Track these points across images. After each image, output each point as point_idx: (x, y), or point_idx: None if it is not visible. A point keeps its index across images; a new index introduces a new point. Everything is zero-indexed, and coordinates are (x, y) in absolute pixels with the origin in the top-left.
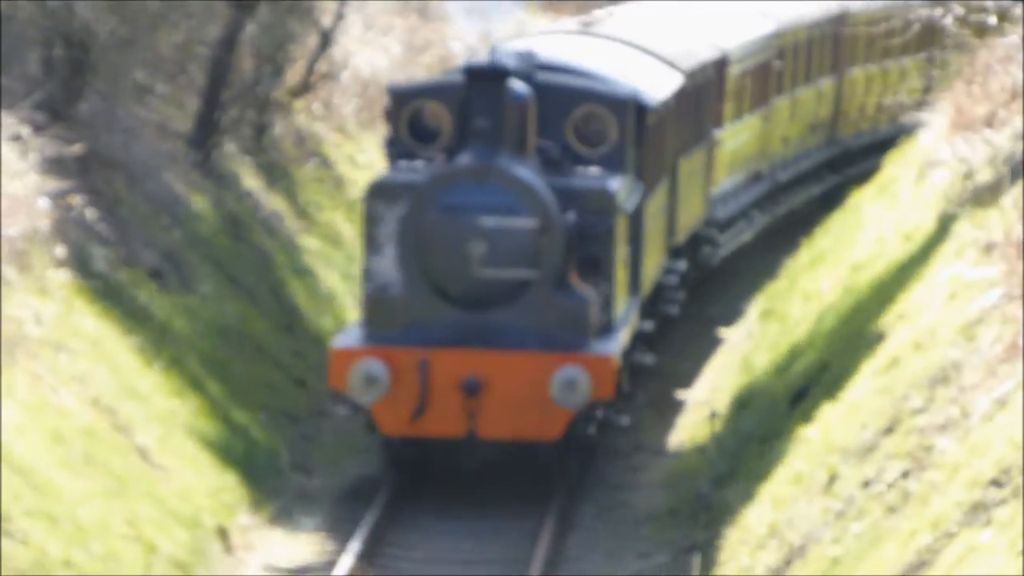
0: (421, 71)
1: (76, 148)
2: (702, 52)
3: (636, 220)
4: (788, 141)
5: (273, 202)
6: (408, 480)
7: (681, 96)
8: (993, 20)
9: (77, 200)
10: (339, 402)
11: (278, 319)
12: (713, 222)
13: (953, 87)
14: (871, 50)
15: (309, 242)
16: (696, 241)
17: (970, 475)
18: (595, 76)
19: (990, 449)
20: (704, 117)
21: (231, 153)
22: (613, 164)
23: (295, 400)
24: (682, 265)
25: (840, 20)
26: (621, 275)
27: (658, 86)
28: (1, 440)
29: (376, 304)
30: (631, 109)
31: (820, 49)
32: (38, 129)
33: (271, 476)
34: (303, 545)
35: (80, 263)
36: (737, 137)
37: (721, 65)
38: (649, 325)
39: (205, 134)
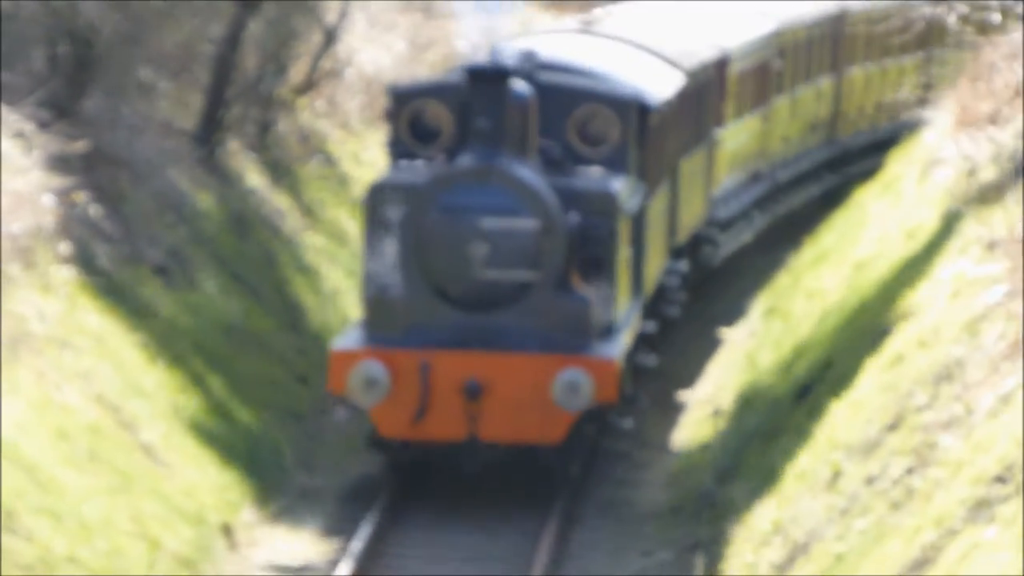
0: (425, 68)
1: (80, 145)
2: (703, 51)
3: (638, 221)
4: (788, 140)
5: (277, 199)
6: (408, 484)
7: (683, 96)
8: (997, 18)
9: (81, 197)
10: (338, 405)
11: (282, 316)
12: (714, 222)
13: (957, 84)
14: (870, 49)
15: (313, 239)
16: (697, 241)
17: (974, 472)
18: (597, 75)
19: (994, 446)
20: (705, 117)
21: (235, 150)
22: (615, 164)
23: (299, 397)
24: (683, 266)
25: (840, 19)
26: (623, 276)
27: (660, 86)
28: (4, 436)
29: (376, 306)
30: (634, 109)
31: (819, 48)
32: (42, 126)
33: (275, 473)
34: (307, 542)
35: (84, 260)
36: (738, 137)
37: (722, 64)
38: (651, 326)
39: (209, 131)
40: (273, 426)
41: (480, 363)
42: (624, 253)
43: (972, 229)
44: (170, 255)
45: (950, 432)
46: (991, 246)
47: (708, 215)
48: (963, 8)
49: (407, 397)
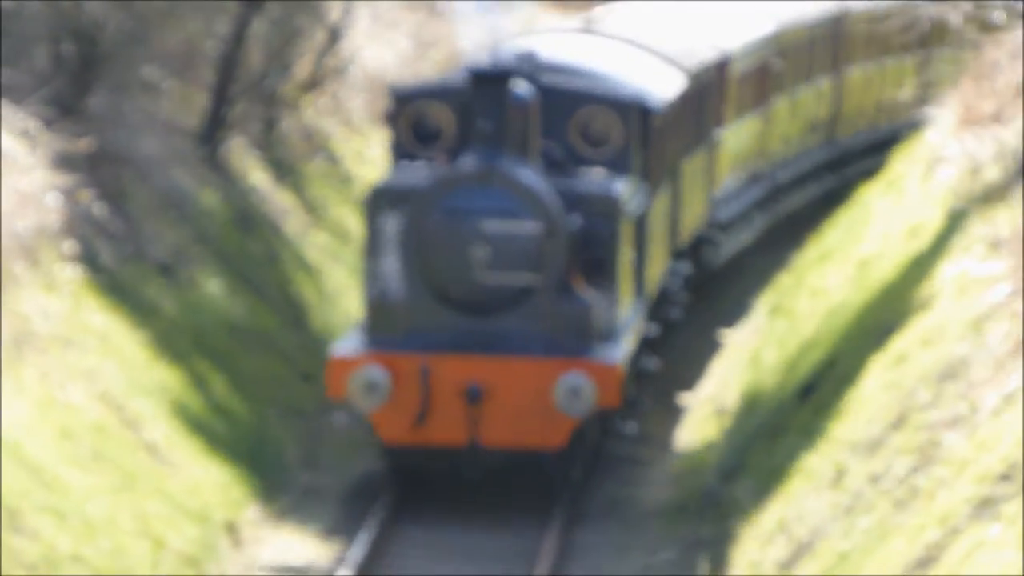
0: (429, 67)
1: (84, 143)
2: (704, 52)
3: (641, 223)
4: (788, 141)
5: (281, 197)
6: (409, 488)
7: (684, 97)
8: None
9: (86, 195)
10: (338, 409)
11: (286, 314)
12: (715, 223)
13: (960, 83)
14: (870, 49)
15: (317, 237)
16: (698, 243)
17: (978, 470)
18: (599, 77)
19: (998, 445)
20: (706, 117)
21: (239, 149)
22: (618, 166)
23: (302, 395)
24: (685, 268)
25: (839, 20)
26: (626, 279)
27: (662, 87)
28: (7, 435)
29: (377, 309)
30: (636, 110)
31: (819, 49)
32: (46, 124)
33: (279, 471)
34: (312, 540)
35: (88, 258)
36: (738, 137)
37: (723, 65)
38: (654, 329)
39: (213, 130)
40: (277, 424)
41: (481, 367)
42: (627, 255)
43: (976, 228)
44: (174, 253)
45: (954, 431)
46: (995, 245)
47: (709, 216)
48: (967, 7)
49: (408, 401)
